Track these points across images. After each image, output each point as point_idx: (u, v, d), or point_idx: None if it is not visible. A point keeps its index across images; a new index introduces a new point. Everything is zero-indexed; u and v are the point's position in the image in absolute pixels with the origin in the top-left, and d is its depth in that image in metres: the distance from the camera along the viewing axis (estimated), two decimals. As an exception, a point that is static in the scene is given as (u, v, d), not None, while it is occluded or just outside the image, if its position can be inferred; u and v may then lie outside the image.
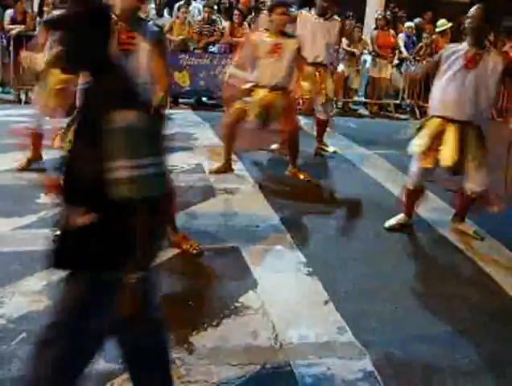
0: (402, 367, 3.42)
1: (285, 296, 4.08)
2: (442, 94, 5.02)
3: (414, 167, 5.28)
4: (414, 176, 5.30)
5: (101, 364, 2.87)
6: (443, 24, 12.32)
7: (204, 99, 11.57)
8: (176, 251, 4.51)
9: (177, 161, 6.69)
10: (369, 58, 12.15)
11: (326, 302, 4.02)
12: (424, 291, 4.40)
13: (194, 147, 7.70)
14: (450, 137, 4.95)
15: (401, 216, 5.51)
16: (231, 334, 3.57)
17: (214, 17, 11.22)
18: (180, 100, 11.24)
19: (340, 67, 11.81)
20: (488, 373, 3.46)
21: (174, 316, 3.69)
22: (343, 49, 11.76)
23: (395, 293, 4.28)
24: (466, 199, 5.31)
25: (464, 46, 4.98)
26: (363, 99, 12.65)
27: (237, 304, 3.90)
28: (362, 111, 12.29)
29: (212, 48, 11.53)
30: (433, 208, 6.05)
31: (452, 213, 5.65)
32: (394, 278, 4.52)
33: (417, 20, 13.04)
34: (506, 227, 5.57)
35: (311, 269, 4.47)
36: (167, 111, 8.97)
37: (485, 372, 3.47)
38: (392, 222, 5.48)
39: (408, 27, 12.61)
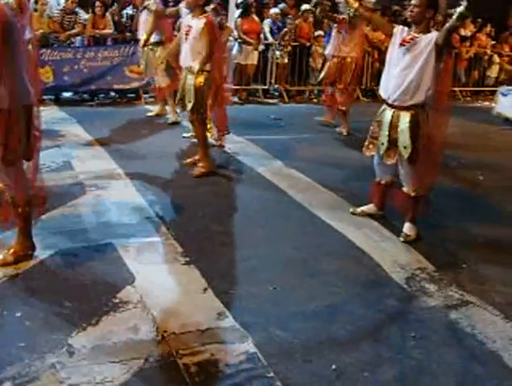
0: (284, 345, 3.49)
1: (163, 287, 4.05)
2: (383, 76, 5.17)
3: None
4: (376, 169, 5.42)
5: None
6: (306, 8, 12.59)
7: (68, 94, 11.22)
8: (48, 253, 4.37)
9: (45, 159, 6.44)
10: (235, 45, 12.21)
11: (205, 290, 4.03)
12: (300, 269, 4.50)
13: (61, 144, 7.45)
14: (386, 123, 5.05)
15: (370, 206, 5.64)
16: (111, 331, 3.50)
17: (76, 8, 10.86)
18: (44, 97, 10.84)
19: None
20: (363, 341, 3.61)
21: (50, 319, 3.60)
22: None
23: (272, 274, 4.35)
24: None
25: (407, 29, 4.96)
26: (231, 86, 12.72)
27: (115, 300, 3.82)
28: (231, 98, 12.36)
29: (75, 41, 11.19)
30: (302, 188, 6.25)
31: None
32: (270, 259, 4.60)
33: (281, 6, 13.25)
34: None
35: (188, 259, 4.46)
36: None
37: (361, 340, 3.61)
38: (359, 210, 5.65)
39: (274, 13, 12.77)
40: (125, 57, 10.91)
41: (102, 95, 11.38)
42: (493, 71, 14.69)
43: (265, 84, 12.69)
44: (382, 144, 5.07)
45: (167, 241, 4.77)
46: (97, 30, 10.99)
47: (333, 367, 3.32)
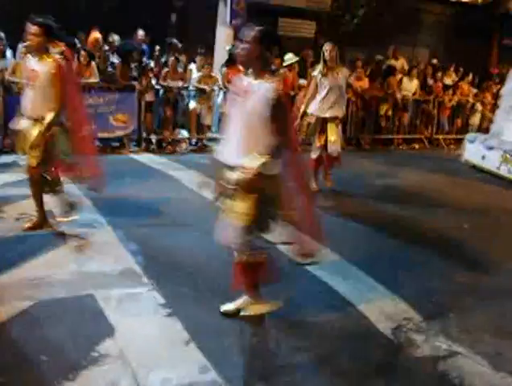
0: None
1: (144, 340, 3.94)
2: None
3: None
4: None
5: None
6: (290, 58, 12.74)
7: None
8: (26, 304, 4.26)
9: (26, 209, 6.37)
10: (220, 94, 12.29)
11: (187, 342, 3.93)
12: (285, 321, 4.38)
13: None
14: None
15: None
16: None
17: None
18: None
19: (192, 104, 11.90)
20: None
21: (25, 374, 3.48)
22: (193, 86, 11.86)
23: (254, 326, 4.25)
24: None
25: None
26: (216, 135, 12.76)
27: (94, 354, 3.71)
28: (216, 147, 12.38)
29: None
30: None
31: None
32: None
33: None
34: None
35: (169, 310, 4.36)
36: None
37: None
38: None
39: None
40: (110, 105, 10.93)
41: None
42: (476, 119, 14.86)
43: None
44: None
45: (148, 293, 4.67)
46: (83, 80, 11.03)
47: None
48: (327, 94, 8.03)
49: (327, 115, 8.09)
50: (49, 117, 5.50)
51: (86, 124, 6.05)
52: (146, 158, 10.56)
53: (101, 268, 5.07)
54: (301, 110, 8.23)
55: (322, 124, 8.14)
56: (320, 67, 8.12)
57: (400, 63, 14.80)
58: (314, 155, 8.26)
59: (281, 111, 3.90)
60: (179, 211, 7.01)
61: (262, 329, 4.21)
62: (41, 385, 3.37)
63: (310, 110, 8.18)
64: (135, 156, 10.32)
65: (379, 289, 5.03)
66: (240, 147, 3.93)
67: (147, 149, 11.30)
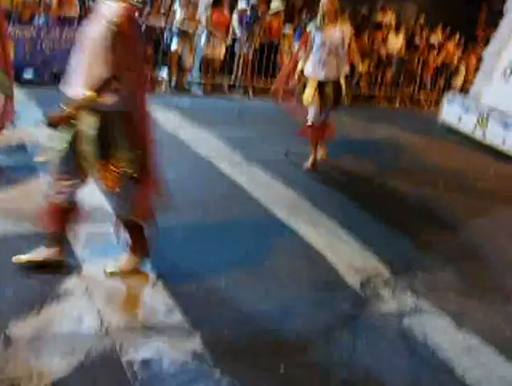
0: (232, 345, 3.40)
1: (111, 279, 3.90)
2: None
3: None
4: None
5: None
6: (277, 7, 12.52)
7: (27, 76, 10.92)
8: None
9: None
10: (203, 36, 12.06)
11: (154, 284, 3.91)
12: (253, 266, 4.40)
13: (17, 126, 7.19)
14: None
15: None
16: (53, 321, 3.36)
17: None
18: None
19: (174, 46, 11.67)
20: (314, 343, 3.54)
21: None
22: (176, 27, 11.62)
23: (225, 271, 4.25)
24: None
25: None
26: (197, 78, 12.58)
27: (59, 289, 3.67)
28: (196, 90, 12.22)
29: (40, 20, 10.89)
30: (261, 184, 6.17)
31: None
32: (224, 256, 4.50)
33: (252, 0, 13.14)
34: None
35: (139, 250, 4.32)
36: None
37: (310, 343, 3.54)
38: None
39: (242, 8, 12.64)
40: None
41: (63, 78, 11.10)
42: (459, 81, 14.79)
43: (230, 79, 12.56)
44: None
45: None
46: (63, 12, 10.72)
47: (281, 369, 3.24)
48: (319, 52, 6.87)
49: (320, 77, 6.95)
50: None
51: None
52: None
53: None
54: (297, 70, 7.19)
55: (317, 87, 6.97)
56: (316, 21, 6.97)
57: (388, 17, 14.63)
58: (309, 122, 7.11)
59: (121, 39, 3.41)
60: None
61: (231, 275, 4.19)
62: (4, 317, 3.31)
63: (306, 72, 7.09)
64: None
65: (350, 243, 5.03)
66: (77, 77, 3.58)
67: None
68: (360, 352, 3.51)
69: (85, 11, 10.95)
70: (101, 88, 3.45)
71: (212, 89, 12.21)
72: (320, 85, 6.94)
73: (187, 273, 4.14)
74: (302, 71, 7.12)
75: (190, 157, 7.06)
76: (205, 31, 11.89)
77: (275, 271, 4.39)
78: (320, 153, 7.38)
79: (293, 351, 3.44)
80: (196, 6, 11.93)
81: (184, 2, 11.84)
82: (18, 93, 9.30)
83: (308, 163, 7.14)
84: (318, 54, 6.88)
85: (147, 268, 4.08)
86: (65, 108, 3.53)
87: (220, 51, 12.09)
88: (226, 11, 12.31)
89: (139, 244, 4.01)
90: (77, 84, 3.53)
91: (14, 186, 5.25)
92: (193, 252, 4.49)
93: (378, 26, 13.62)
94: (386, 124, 10.74)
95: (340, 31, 6.82)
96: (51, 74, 10.92)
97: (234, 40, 12.31)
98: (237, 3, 12.93)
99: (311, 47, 6.96)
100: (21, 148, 6.39)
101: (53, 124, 3.58)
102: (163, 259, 4.24)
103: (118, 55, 3.42)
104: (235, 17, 12.45)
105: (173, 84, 11.97)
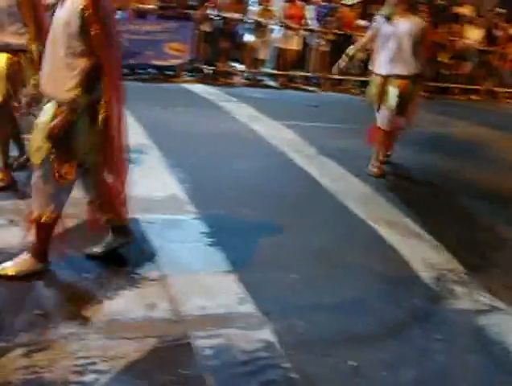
0: (303, 337, 3.39)
1: (185, 267, 3.97)
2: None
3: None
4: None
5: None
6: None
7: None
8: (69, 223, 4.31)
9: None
10: (277, 29, 12.08)
11: (227, 273, 3.95)
12: (325, 259, 4.39)
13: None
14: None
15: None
16: (128, 306, 3.43)
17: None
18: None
19: (249, 38, 11.73)
20: (386, 339, 3.49)
21: (69, 289, 3.55)
22: (251, 19, 11.66)
23: (297, 263, 4.25)
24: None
25: None
26: (271, 70, 12.61)
27: (135, 276, 3.75)
28: (270, 82, 12.26)
29: (118, 14, 11.15)
30: (335, 177, 6.13)
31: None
32: (296, 248, 4.50)
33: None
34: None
35: (214, 240, 4.38)
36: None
37: (383, 338, 3.50)
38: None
39: (317, 0, 12.60)
40: (167, 33, 10.84)
41: (141, 70, 11.35)
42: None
43: (304, 71, 12.52)
44: None
45: (193, 220, 4.70)
46: (141, 4, 10.93)
47: (352, 363, 3.22)
48: (385, 44, 6.28)
49: (384, 72, 6.34)
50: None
51: None
52: (199, 88, 10.53)
53: (147, 194, 5.09)
54: (350, 51, 6.89)
55: (383, 84, 6.36)
56: (384, 10, 6.46)
57: (466, 9, 14.27)
58: (379, 123, 6.49)
59: (92, 23, 3.13)
60: (229, 144, 7.00)
61: (303, 267, 4.20)
62: (83, 301, 3.42)
63: (372, 66, 6.66)
64: (188, 86, 10.28)
65: (424, 237, 4.95)
66: (51, 73, 3.36)
67: (201, 80, 11.25)
68: (432, 349, 3.45)
69: (164, 6, 11.15)
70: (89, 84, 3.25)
71: (286, 81, 12.21)
72: (385, 82, 6.32)
73: (259, 264, 4.16)
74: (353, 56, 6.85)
75: (264, 149, 7.10)
76: (279, 24, 11.89)
77: (348, 265, 4.36)
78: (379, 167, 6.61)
79: (364, 345, 3.41)
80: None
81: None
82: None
83: (375, 168, 6.53)
84: (383, 47, 6.31)
85: (222, 257, 4.13)
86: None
87: (295, 44, 12.07)
88: (300, 3, 12.28)
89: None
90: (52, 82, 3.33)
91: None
92: (266, 243, 4.50)
93: (456, 17, 13.31)
94: (463, 118, 10.50)
95: (410, 24, 6.18)
96: (128, 67, 11.18)
97: (310, 32, 12.26)
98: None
99: (374, 38, 6.48)
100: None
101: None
102: (235, 249, 4.29)
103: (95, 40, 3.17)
104: (309, 9, 12.41)
105: (247, 76, 12.04)
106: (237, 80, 11.85)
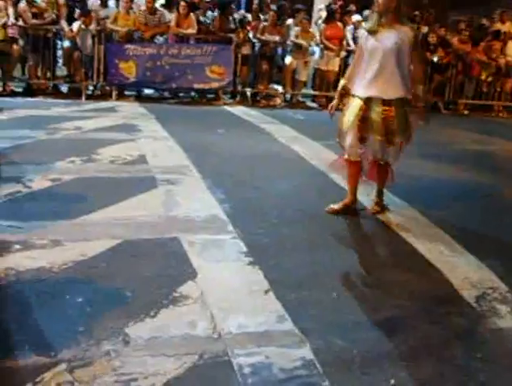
0: (342, 355, 3.38)
1: (225, 285, 4.01)
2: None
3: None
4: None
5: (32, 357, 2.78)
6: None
7: (150, 91, 11.43)
8: (114, 242, 4.41)
9: (120, 152, 6.58)
10: (317, 50, 12.15)
11: (266, 291, 3.97)
12: (364, 277, 4.39)
13: (137, 139, 7.56)
14: None
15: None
16: (168, 324, 3.48)
17: (157, 5, 11.11)
18: (127, 92, 11.10)
19: (288, 60, 11.82)
20: (426, 358, 3.45)
21: (110, 307, 3.62)
22: (291, 41, 11.76)
23: (335, 281, 4.25)
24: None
25: None
26: (311, 91, 12.66)
27: (175, 294, 3.81)
28: (310, 103, 12.31)
29: (160, 40, 11.39)
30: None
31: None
32: (335, 266, 4.50)
33: (366, 13, 13.10)
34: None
35: (251, 259, 4.41)
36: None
37: (423, 357, 3.45)
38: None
39: (356, 20, 12.63)
40: (207, 56, 11.01)
41: (182, 94, 11.53)
42: None
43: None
44: None
45: (233, 240, 4.74)
46: (181, 30, 11.13)
47: (392, 382, 3.19)
48: (369, 62, 5.19)
49: (369, 94, 5.21)
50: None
51: None
52: (239, 110, 10.64)
53: (187, 214, 5.17)
54: (339, 85, 5.61)
55: (364, 108, 5.22)
56: (369, 22, 5.43)
57: (507, 26, 14.14)
58: (347, 154, 5.51)
59: None
60: (269, 165, 7.05)
61: (342, 285, 4.20)
62: (124, 318, 3.48)
63: (353, 89, 5.37)
64: (229, 108, 10.40)
65: (466, 256, 4.89)
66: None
67: (241, 102, 11.36)
68: (473, 368, 3.40)
69: (203, 30, 11.34)
70: None
71: (327, 102, 12.22)
72: (367, 105, 5.22)
73: (298, 282, 4.17)
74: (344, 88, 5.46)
75: (304, 169, 7.13)
76: (319, 45, 11.96)
77: (387, 283, 4.34)
78: (373, 205, 5.82)
79: (404, 364, 3.38)
80: (309, 21, 12.06)
81: (298, 17, 12.00)
82: (140, 108, 9.81)
83: (334, 206, 5.64)
84: (367, 65, 5.21)
85: (261, 276, 4.16)
86: None
87: (335, 64, 12.11)
88: (340, 24, 12.33)
89: None
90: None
91: (134, 195, 5.49)
92: (304, 262, 4.52)
93: (496, 35, 13.19)
94: (505, 136, 10.36)
95: (400, 36, 5.07)
96: (170, 91, 11.38)
97: (349, 53, 12.29)
98: (350, 16, 12.94)
99: (362, 56, 5.31)
100: (142, 160, 6.67)
101: None
102: (275, 267, 4.31)
103: None
104: (349, 29, 12.46)
105: (288, 97, 12.11)
106: (277, 101, 11.93)
